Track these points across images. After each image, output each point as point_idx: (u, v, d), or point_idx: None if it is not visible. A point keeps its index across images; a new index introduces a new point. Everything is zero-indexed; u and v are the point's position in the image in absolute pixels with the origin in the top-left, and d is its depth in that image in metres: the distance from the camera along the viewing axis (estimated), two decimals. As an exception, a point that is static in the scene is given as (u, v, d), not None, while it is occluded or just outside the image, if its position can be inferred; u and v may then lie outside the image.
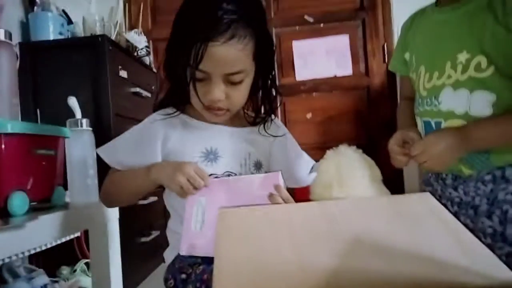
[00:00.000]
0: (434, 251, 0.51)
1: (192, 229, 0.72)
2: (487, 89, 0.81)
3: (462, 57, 0.83)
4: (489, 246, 0.82)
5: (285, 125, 1.00)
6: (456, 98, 0.85)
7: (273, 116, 0.95)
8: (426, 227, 0.56)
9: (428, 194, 0.64)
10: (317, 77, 2.46)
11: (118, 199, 0.90)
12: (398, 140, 0.87)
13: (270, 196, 0.71)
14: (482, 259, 0.50)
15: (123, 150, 0.87)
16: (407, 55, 0.99)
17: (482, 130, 0.80)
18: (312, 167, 0.71)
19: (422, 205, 0.60)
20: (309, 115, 2.46)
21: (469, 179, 0.87)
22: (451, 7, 0.88)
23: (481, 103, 0.82)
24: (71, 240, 1.46)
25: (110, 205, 0.96)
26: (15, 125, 0.85)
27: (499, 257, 0.81)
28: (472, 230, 0.84)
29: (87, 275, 1.49)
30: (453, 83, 0.85)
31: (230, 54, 0.76)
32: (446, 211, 0.59)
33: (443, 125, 0.87)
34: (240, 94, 0.83)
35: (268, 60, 0.86)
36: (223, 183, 0.75)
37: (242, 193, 0.72)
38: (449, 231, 0.55)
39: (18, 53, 1.57)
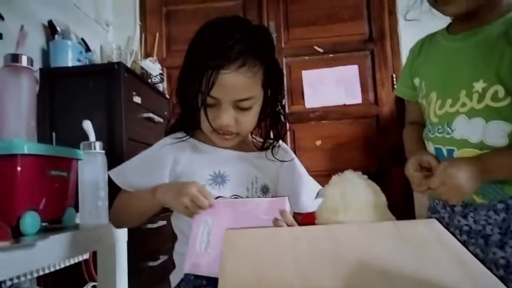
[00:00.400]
0: (439, 277, 0.51)
1: (197, 248, 0.72)
2: (503, 119, 0.81)
3: (479, 86, 0.82)
4: (501, 278, 0.79)
5: (295, 152, 1.02)
6: (470, 126, 0.84)
7: (280, 141, 0.97)
8: (432, 253, 0.56)
9: (434, 221, 0.64)
10: (326, 105, 2.49)
11: (127, 219, 0.92)
12: (415, 165, 0.86)
13: (275, 221, 0.71)
14: (488, 286, 0.50)
15: (133, 173, 0.89)
16: (416, 81, 0.98)
17: (501, 161, 0.80)
18: (318, 193, 0.71)
19: (428, 231, 0.60)
20: (318, 143, 2.47)
21: (480, 207, 0.85)
22: (463, 35, 0.88)
23: (496, 133, 0.81)
24: (79, 262, 1.46)
25: (118, 225, 0.97)
26: (30, 146, 0.87)
27: (513, 290, 0.79)
28: (482, 261, 0.82)
29: (94, 299, 1.48)
30: (468, 112, 0.84)
31: (240, 82, 0.79)
32: (453, 237, 0.59)
33: (456, 153, 0.86)
34: (249, 120, 0.85)
35: (277, 88, 0.89)
36: (230, 205, 0.76)
37: (248, 216, 0.72)
38: (454, 258, 0.54)
39: (38, 79, 1.63)
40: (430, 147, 0.93)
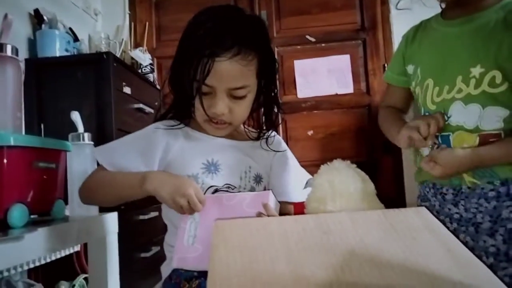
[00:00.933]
0: (428, 265, 0.51)
1: (184, 243, 0.73)
2: (499, 104, 0.81)
3: (476, 71, 0.83)
4: (491, 266, 0.81)
5: (287, 141, 1.02)
6: (467, 112, 0.84)
7: (274, 132, 0.97)
8: (421, 241, 0.56)
9: (423, 209, 0.64)
10: (318, 95, 2.48)
11: (102, 199, 0.88)
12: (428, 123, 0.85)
13: (258, 215, 0.72)
14: (476, 274, 0.50)
15: (120, 153, 0.86)
16: (410, 68, 0.98)
17: (492, 153, 0.81)
18: (307, 182, 0.72)
19: (417, 219, 0.60)
20: (310, 132, 2.48)
21: (471, 195, 0.86)
22: (460, 20, 0.88)
23: (492, 118, 0.82)
24: (71, 254, 1.45)
25: (88, 201, 0.92)
26: (17, 138, 0.86)
27: (502, 277, 0.80)
28: (472, 249, 0.83)
29: (86, 291, 1.48)
30: (464, 97, 0.84)
31: (235, 70, 0.79)
32: (441, 225, 0.59)
33: (452, 136, 0.86)
34: (242, 110, 0.85)
35: (271, 77, 0.89)
36: (217, 200, 0.76)
37: (234, 210, 0.73)
38: (443, 245, 0.55)
39: (24, 69, 1.60)
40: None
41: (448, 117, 0.87)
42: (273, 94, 0.91)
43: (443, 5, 0.95)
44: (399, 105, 1.03)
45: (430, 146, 0.86)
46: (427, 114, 0.92)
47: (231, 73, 0.79)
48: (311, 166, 0.97)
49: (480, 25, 0.84)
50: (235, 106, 0.83)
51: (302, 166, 0.99)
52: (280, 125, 2.43)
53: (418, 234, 0.57)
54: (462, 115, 0.85)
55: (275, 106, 0.93)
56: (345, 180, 0.66)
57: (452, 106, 0.86)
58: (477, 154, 0.81)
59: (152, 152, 0.85)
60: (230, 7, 0.88)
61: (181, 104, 0.89)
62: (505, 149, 0.81)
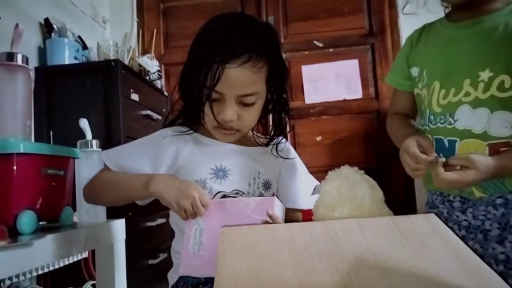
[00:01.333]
0: (437, 272, 0.50)
1: (190, 249, 0.73)
2: (508, 109, 0.80)
3: (485, 75, 0.82)
4: (501, 274, 0.79)
5: (295, 147, 1.02)
6: (474, 116, 0.83)
7: (284, 139, 0.97)
8: (430, 248, 0.55)
9: (432, 215, 0.63)
10: (326, 101, 2.47)
11: (106, 200, 0.89)
12: (416, 145, 0.82)
13: (264, 223, 0.71)
14: (486, 281, 0.49)
15: (128, 156, 0.86)
16: (414, 70, 0.96)
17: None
18: (315, 189, 0.71)
19: (426, 226, 0.60)
20: (319, 138, 2.47)
21: (479, 202, 0.85)
22: (466, 23, 0.87)
23: (500, 124, 0.81)
24: (79, 261, 1.46)
25: (92, 201, 0.92)
26: (26, 145, 0.87)
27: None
28: (481, 256, 0.82)
29: (94, 297, 1.49)
30: (472, 101, 0.83)
31: (245, 77, 0.79)
32: (451, 232, 0.59)
33: (458, 144, 0.85)
34: (251, 116, 0.85)
35: (281, 84, 0.89)
36: (221, 206, 0.76)
37: (239, 216, 0.73)
38: (452, 252, 0.54)
39: (34, 77, 1.62)
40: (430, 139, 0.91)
41: (455, 121, 0.85)
42: (282, 100, 0.91)
43: (447, 10, 0.94)
44: (406, 110, 1.02)
45: (435, 158, 0.81)
46: (431, 117, 0.91)
47: (241, 80, 0.79)
48: (320, 172, 0.96)
49: (488, 29, 0.83)
50: (244, 113, 0.83)
51: (310, 172, 0.98)
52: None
53: (427, 241, 0.56)
54: (469, 119, 0.84)
55: (285, 113, 0.93)
56: (352, 186, 0.65)
57: (459, 110, 0.85)
58: (502, 163, 0.78)
59: (161, 158, 0.85)
60: (241, 14, 0.88)
61: (190, 110, 0.89)
62: None
